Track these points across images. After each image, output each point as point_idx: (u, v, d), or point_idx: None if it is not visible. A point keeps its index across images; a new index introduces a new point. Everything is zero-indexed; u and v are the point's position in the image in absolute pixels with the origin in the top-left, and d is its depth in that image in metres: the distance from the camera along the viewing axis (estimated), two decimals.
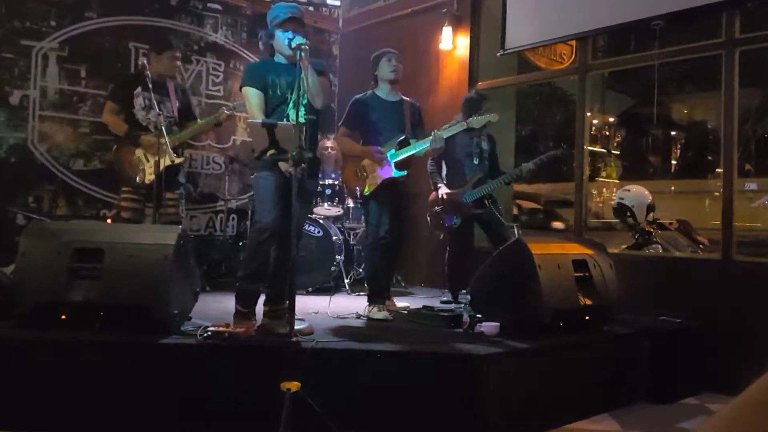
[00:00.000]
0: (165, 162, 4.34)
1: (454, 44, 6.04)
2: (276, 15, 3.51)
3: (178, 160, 4.42)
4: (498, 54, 5.67)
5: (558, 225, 5.92)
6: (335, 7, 7.17)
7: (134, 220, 4.50)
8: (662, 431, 3.30)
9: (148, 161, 4.43)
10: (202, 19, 6.13)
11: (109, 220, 5.39)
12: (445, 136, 4.19)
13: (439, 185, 4.81)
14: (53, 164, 5.26)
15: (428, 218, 4.87)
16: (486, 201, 4.72)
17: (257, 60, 6.24)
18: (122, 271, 3.07)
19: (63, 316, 3.06)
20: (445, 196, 4.72)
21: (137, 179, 4.41)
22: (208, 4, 6.16)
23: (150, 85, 4.26)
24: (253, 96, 3.48)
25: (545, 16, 5.39)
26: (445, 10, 6.04)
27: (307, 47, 3.20)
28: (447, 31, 6.00)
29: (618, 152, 12.49)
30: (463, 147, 4.74)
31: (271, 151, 3.30)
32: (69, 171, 5.33)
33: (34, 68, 5.19)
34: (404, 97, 4.42)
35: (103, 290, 3.04)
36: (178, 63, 4.82)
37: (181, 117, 4.69)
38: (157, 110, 4.25)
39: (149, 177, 4.41)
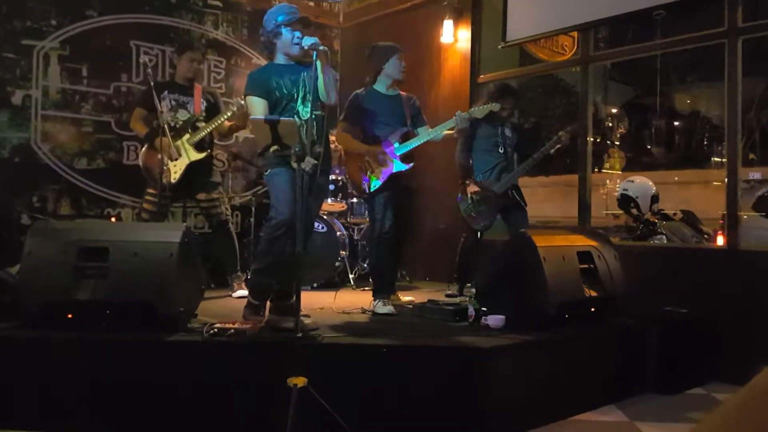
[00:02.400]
0: (185, 161, 4.47)
1: (455, 37, 6.02)
2: (281, 15, 3.52)
3: (197, 156, 4.52)
4: (500, 46, 5.66)
5: None
6: (336, 1, 7.15)
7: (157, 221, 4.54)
8: (669, 421, 3.31)
9: (172, 161, 4.48)
10: (202, 16, 6.12)
11: (112, 219, 5.41)
12: (465, 117, 4.19)
13: (468, 181, 4.69)
14: (57, 164, 5.27)
15: (462, 215, 4.75)
16: (510, 191, 4.69)
17: (258, 56, 6.25)
18: (128, 269, 3.08)
19: (69, 315, 3.07)
20: (476, 196, 4.62)
21: (164, 181, 4.43)
22: (209, 1, 6.15)
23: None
24: (256, 104, 3.51)
25: (546, 8, 5.36)
26: (446, 3, 6.01)
27: (323, 48, 3.27)
28: (448, 24, 5.99)
29: (620, 143, 12.44)
30: (486, 137, 4.71)
31: (275, 147, 3.32)
32: (72, 170, 5.34)
33: (35, 68, 5.19)
34: (401, 92, 4.43)
35: (108, 289, 3.05)
36: (198, 65, 4.84)
37: (209, 118, 4.70)
38: (166, 109, 4.31)
39: (174, 176, 4.45)
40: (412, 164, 4.21)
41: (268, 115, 3.47)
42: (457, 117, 4.16)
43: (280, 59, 3.62)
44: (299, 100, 3.53)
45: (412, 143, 4.21)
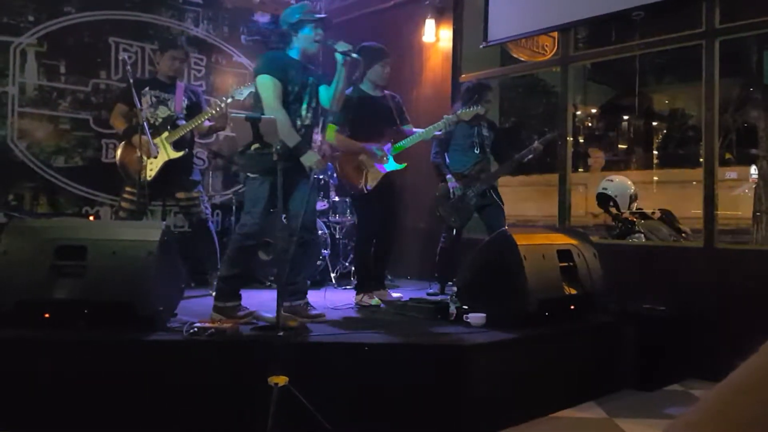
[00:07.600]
0: (163, 158, 4.42)
1: (437, 36, 6.04)
2: (305, 11, 3.55)
3: (174, 155, 4.46)
4: (481, 46, 5.68)
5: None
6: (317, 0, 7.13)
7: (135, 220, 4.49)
8: (647, 417, 3.34)
9: (148, 158, 4.43)
10: (182, 13, 6.06)
11: (91, 218, 5.34)
12: (454, 121, 4.30)
13: (448, 176, 4.72)
14: (34, 161, 5.19)
15: (437, 213, 4.80)
16: (488, 191, 4.72)
17: (239, 54, 6.22)
18: (106, 268, 3.04)
19: (46, 315, 3.02)
20: (458, 189, 4.66)
21: (140, 178, 4.37)
22: None
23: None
24: (273, 85, 3.47)
25: (527, 8, 5.40)
26: (427, 2, 6.03)
27: (356, 56, 3.42)
28: (430, 23, 6.00)
29: (600, 143, 12.57)
30: (463, 137, 4.74)
31: (256, 146, 3.31)
32: (50, 168, 5.26)
33: (12, 64, 5.11)
34: (385, 91, 4.46)
35: (86, 288, 3.01)
36: (180, 64, 4.77)
37: (190, 116, 4.66)
38: (146, 106, 4.26)
39: (150, 174, 4.40)
40: (405, 164, 4.29)
41: (281, 98, 3.47)
42: (445, 120, 4.25)
43: (294, 54, 3.61)
44: (305, 105, 3.55)
45: (407, 143, 4.26)
